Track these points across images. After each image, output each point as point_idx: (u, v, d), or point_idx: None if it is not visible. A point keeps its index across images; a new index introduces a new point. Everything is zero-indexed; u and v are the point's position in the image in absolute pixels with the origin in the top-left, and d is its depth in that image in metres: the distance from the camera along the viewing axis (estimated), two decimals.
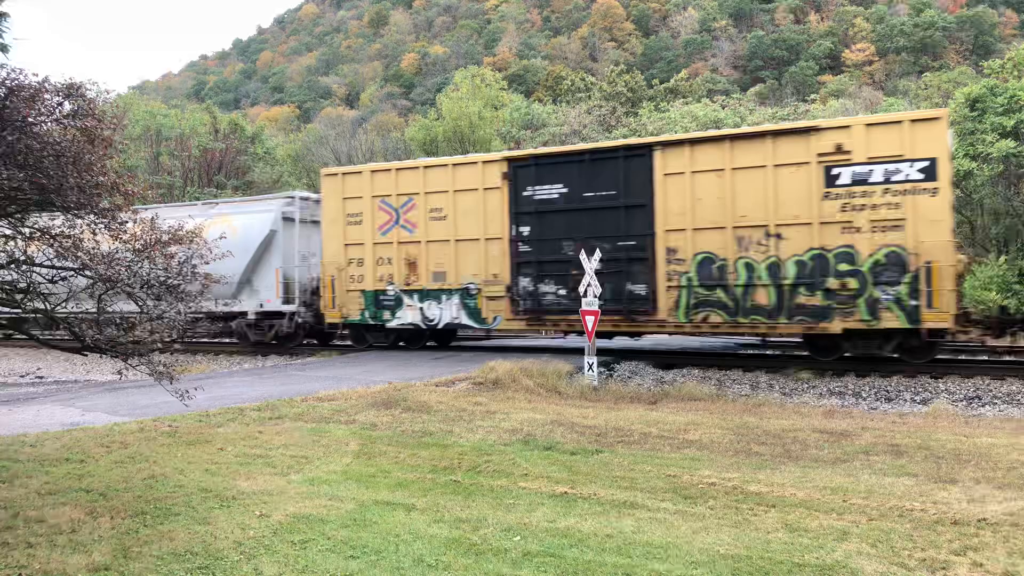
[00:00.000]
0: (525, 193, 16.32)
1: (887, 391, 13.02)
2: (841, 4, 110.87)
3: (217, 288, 19.49)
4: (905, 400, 12.51)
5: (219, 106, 62.15)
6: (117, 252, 6.36)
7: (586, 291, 13.82)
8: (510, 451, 8.08)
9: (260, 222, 19.82)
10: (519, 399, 11.45)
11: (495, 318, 16.73)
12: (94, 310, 6.49)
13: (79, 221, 6.41)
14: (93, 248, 6.27)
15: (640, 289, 15.23)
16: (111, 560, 4.99)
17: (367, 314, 18.16)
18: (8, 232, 6.66)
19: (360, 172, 18.45)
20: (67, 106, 6.31)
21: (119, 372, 6.97)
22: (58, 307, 6.67)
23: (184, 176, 37.94)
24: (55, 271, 6.60)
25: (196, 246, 6.92)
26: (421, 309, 17.51)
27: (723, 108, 30.80)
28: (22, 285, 6.62)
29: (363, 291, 18.16)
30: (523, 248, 16.34)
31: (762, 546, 5.22)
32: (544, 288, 16.12)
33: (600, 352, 14.25)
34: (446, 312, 17.25)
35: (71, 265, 6.32)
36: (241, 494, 6.43)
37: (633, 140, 16.61)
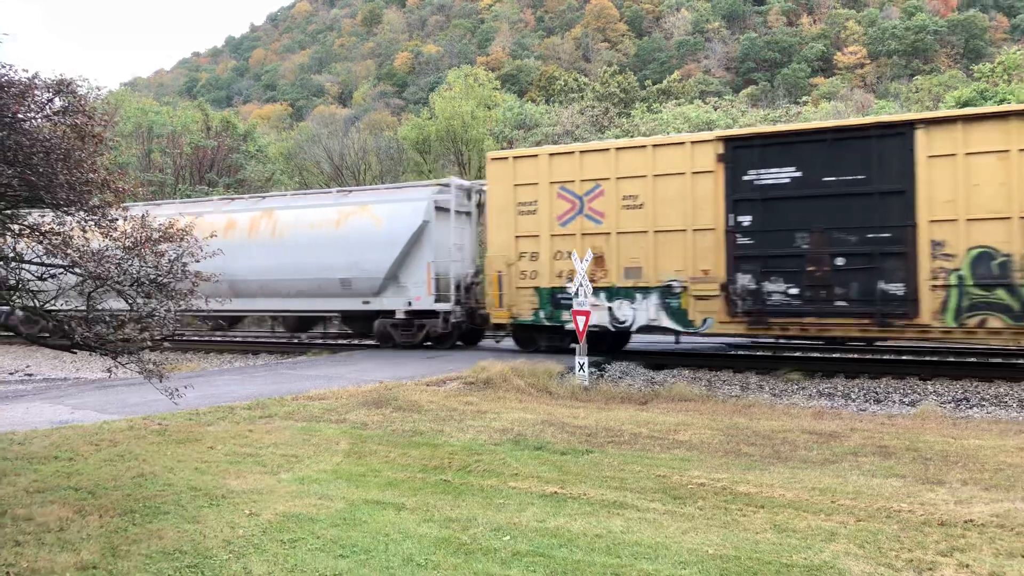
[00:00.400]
0: (746, 177, 14.43)
1: (876, 392, 13.09)
2: (833, 7, 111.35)
3: (359, 283, 18.71)
4: (894, 402, 12.58)
5: (211, 103, 62.06)
6: (107, 249, 6.34)
7: (577, 291, 13.83)
8: (500, 451, 8.09)
9: (410, 212, 18.01)
10: (510, 399, 11.45)
11: (705, 321, 14.86)
12: (83, 307, 6.47)
13: (69, 218, 6.39)
14: (83, 245, 6.25)
15: (896, 288, 13.41)
16: (99, 559, 4.97)
17: (542, 314, 16.34)
18: None
19: (535, 156, 16.80)
20: (57, 102, 6.28)
21: (109, 370, 6.95)
22: (47, 304, 6.65)
23: (176, 173, 37.83)
24: (44, 268, 6.57)
25: (187, 244, 6.91)
26: (610, 309, 15.66)
27: (715, 110, 30.87)
28: (11, 282, 6.59)
29: (537, 288, 16.36)
30: (743, 240, 14.44)
31: (750, 546, 5.25)
32: (770, 287, 14.26)
33: (591, 352, 14.25)
34: (641, 313, 15.40)
35: (60, 262, 6.30)
36: (231, 493, 6.42)
37: (889, 117, 15.10)
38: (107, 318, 6.38)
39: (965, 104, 20.89)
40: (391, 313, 18.39)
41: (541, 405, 11.01)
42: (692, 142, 15.22)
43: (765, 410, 11.16)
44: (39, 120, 6.18)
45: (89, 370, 17.90)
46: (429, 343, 18.57)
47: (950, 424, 10.06)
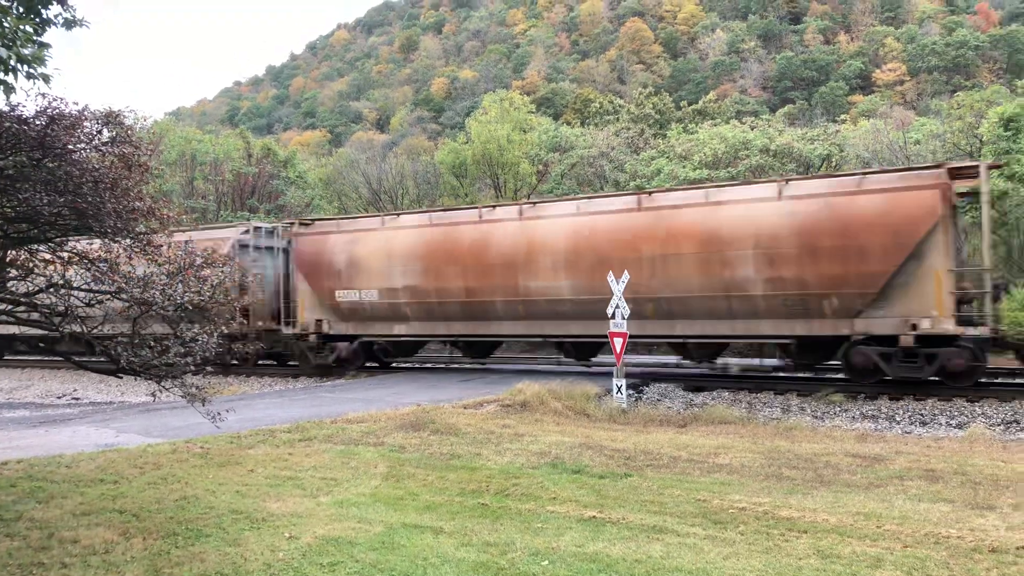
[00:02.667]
0: None
1: (922, 415, 12.80)
2: (871, 24, 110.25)
3: None
4: (940, 424, 12.29)
5: (252, 131, 63.26)
6: (152, 276, 6.49)
7: (614, 313, 13.77)
8: (538, 474, 8.06)
9: None
10: (547, 422, 11.41)
11: None
12: (128, 332, 6.61)
13: (115, 245, 6.56)
14: (129, 271, 6.41)
15: None
16: None
17: None
18: (48, 256, 6.83)
19: None
20: (106, 133, 6.49)
21: (153, 394, 7.09)
22: (94, 330, 6.81)
23: (218, 200, 38.53)
24: (92, 294, 6.74)
25: (229, 269, 7.04)
26: None
27: (752, 129, 30.64)
28: (60, 308, 6.77)
29: None
30: None
31: (793, 572, 5.15)
32: None
33: (628, 375, 14.16)
34: None
35: (107, 288, 6.46)
36: (271, 516, 6.47)
37: None
38: (152, 343, 6.52)
39: (1009, 121, 20.45)
40: None
41: (579, 428, 10.95)
42: None
43: (807, 433, 10.98)
44: (88, 151, 6.37)
45: (134, 394, 18.23)
46: None
47: (1000, 447, 9.80)
